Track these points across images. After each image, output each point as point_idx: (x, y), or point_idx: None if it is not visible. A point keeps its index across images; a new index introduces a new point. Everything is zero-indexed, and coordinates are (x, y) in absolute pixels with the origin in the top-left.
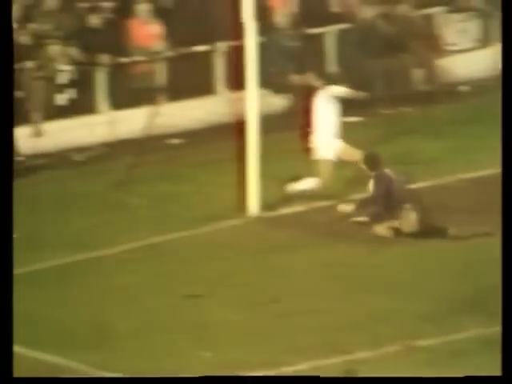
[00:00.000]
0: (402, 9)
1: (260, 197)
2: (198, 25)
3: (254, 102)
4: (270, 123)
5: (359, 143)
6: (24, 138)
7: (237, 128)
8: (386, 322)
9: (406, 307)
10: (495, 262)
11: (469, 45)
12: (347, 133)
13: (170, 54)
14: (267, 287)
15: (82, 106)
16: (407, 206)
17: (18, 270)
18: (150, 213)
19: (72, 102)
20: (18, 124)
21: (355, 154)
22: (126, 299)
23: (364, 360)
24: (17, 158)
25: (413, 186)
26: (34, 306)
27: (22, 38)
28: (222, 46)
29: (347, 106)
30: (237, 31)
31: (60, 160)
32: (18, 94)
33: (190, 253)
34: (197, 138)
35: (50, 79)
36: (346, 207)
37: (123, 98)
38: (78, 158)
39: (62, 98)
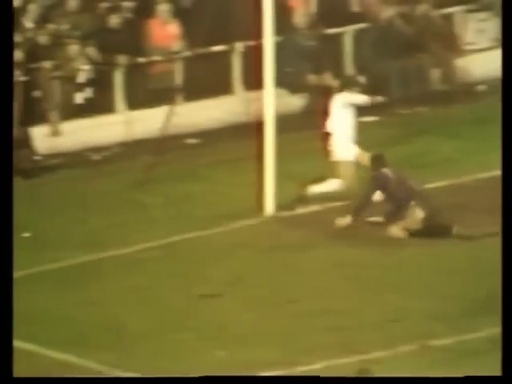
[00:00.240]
0: (422, 8)
1: (276, 196)
2: (216, 25)
3: (271, 102)
4: (286, 123)
5: (376, 143)
6: (42, 138)
7: (253, 128)
8: (400, 322)
9: (420, 307)
10: None
11: (487, 44)
12: (363, 132)
13: (187, 53)
14: (283, 287)
15: (99, 105)
16: (412, 203)
17: (33, 270)
18: (167, 212)
19: (90, 101)
20: (36, 123)
21: (366, 157)
22: (142, 298)
23: (378, 360)
24: (34, 158)
25: (429, 186)
26: (50, 305)
27: (40, 38)
28: (239, 46)
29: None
30: (255, 31)
31: (77, 159)
32: (35, 93)
33: (206, 252)
34: (214, 137)
35: (68, 79)
36: (343, 220)
37: (141, 98)
38: (96, 157)
39: (79, 98)
